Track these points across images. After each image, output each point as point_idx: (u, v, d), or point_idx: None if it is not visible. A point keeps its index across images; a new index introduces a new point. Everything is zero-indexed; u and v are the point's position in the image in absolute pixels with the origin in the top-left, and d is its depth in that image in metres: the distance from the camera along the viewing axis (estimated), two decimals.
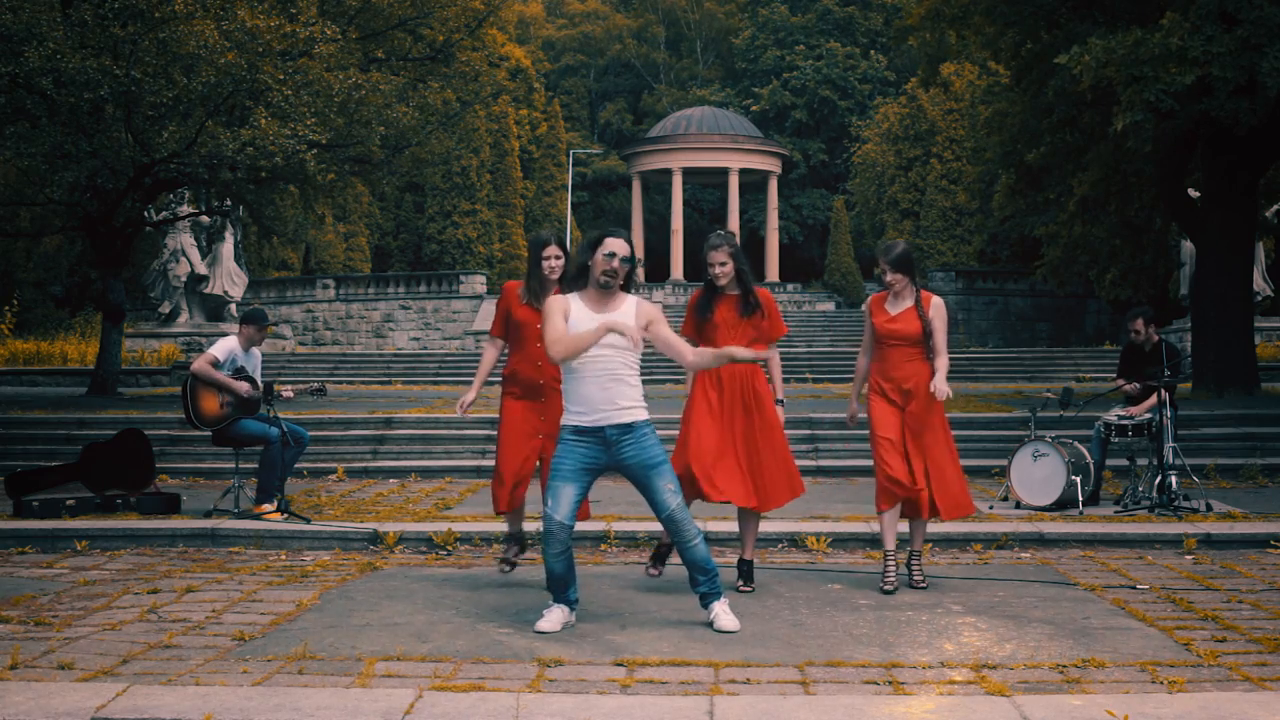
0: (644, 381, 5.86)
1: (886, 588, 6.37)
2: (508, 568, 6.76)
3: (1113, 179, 19.37)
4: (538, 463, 6.54)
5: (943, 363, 6.42)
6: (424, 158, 19.98)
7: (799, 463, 11.68)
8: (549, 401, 6.43)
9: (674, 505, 5.53)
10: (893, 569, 6.46)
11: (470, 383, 6.96)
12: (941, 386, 6.28)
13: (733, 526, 8.24)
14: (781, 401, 6.48)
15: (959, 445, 12.21)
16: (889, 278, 6.47)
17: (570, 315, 5.52)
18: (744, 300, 6.34)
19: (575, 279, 5.65)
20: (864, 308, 6.73)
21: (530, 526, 7.71)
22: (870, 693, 4.51)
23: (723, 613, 5.57)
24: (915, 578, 6.59)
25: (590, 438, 5.52)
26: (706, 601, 5.64)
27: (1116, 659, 4.97)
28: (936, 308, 6.48)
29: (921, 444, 6.45)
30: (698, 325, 6.42)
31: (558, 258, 6.42)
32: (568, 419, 5.58)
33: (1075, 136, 18.40)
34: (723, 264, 6.30)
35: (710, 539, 7.94)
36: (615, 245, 5.52)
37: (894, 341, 6.47)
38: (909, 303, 6.49)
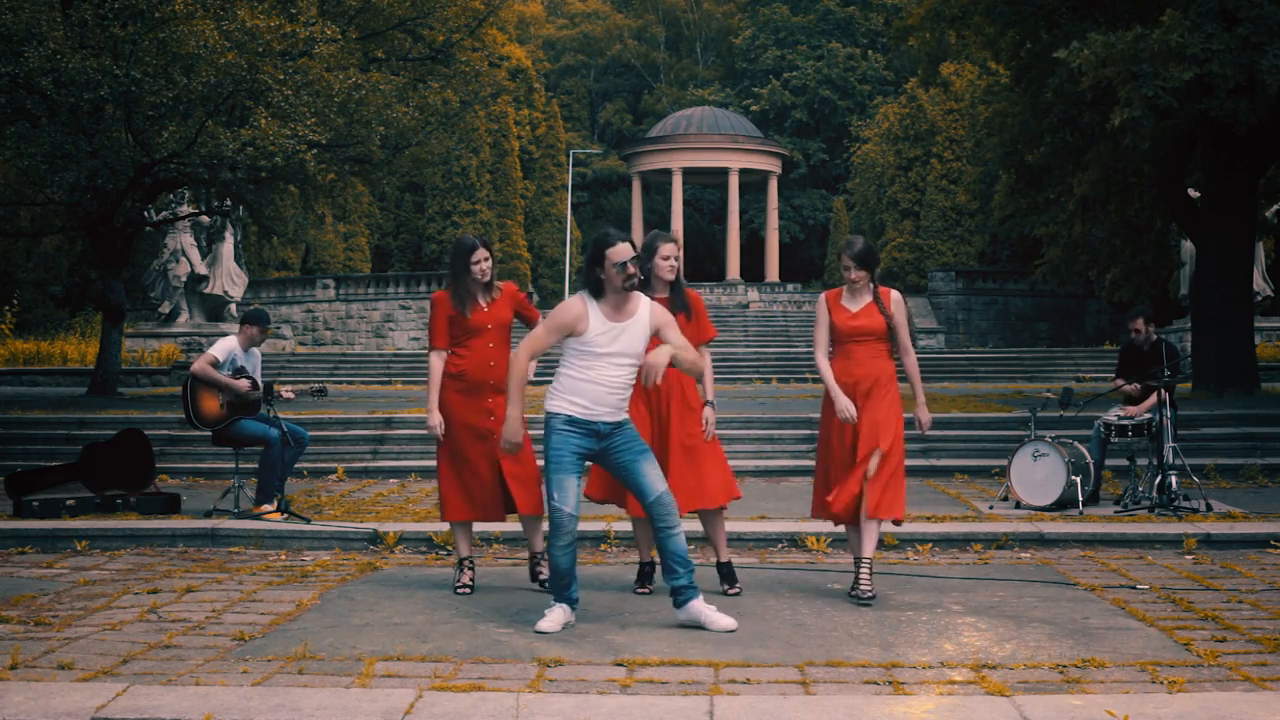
0: None
1: (862, 597, 6.14)
2: (466, 590, 6.45)
3: (1113, 179, 19.38)
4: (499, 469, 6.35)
5: (915, 364, 6.36)
6: (424, 158, 19.99)
7: (800, 463, 11.76)
8: (496, 402, 6.34)
9: (661, 489, 5.57)
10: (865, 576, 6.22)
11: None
12: (924, 417, 6.26)
13: (728, 527, 8.24)
14: (711, 403, 6.34)
15: (960, 445, 12.30)
16: (854, 274, 6.26)
17: (590, 327, 5.50)
18: (674, 300, 6.32)
19: (583, 288, 5.61)
20: (819, 307, 6.43)
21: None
22: (870, 693, 4.51)
23: (711, 611, 5.55)
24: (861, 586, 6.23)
25: (582, 428, 5.55)
26: (685, 597, 5.57)
27: (1116, 659, 4.97)
28: (897, 302, 6.33)
29: (871, 444, 6.16)
30: None
31: (487, 260, 6.40)
32: (562, 407, 5.55)
33: (1075, 136, 18.40)
34: (678, 257, 6.30)
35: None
36: (621, 253, 5.47)
37: (858, 339, 6.26)
38: (868, 298, 6.33)
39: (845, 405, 6.16)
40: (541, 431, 5.74)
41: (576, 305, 5.56)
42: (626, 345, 5.53)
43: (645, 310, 5.60)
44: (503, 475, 6.37)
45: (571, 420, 5.54)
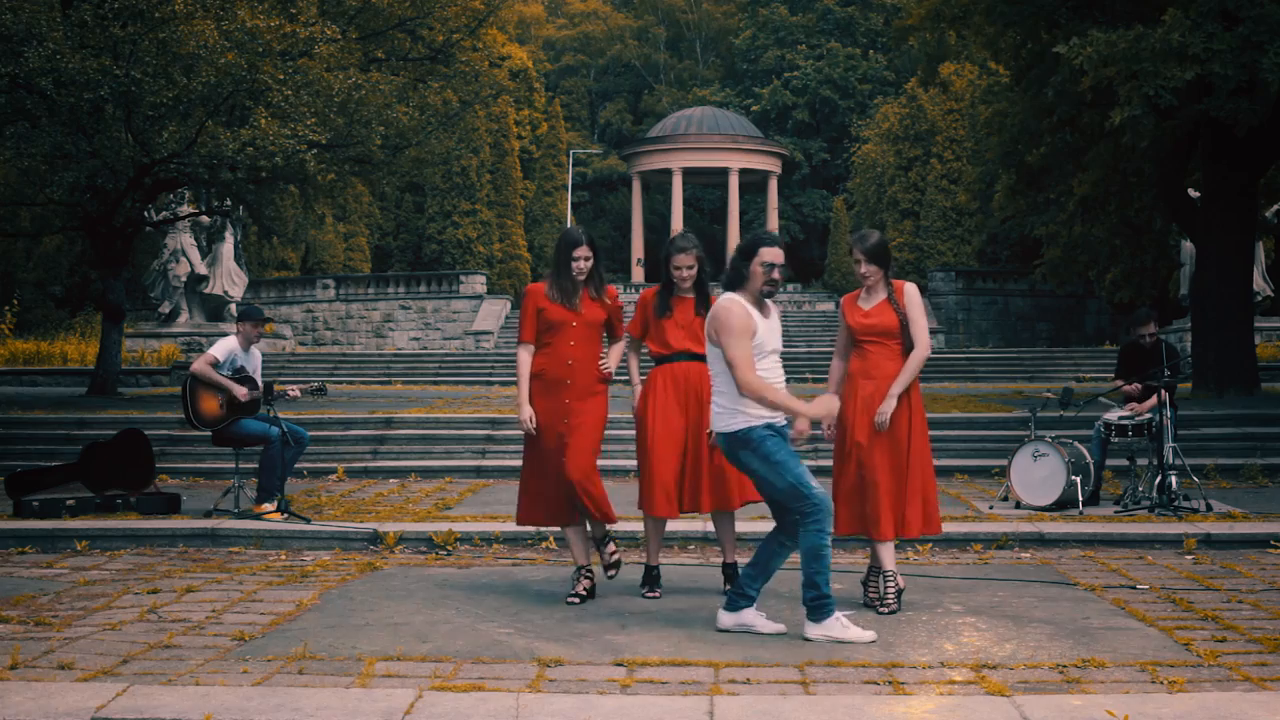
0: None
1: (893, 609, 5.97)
2: (577, 600, 6.20)
3: (1113, 179, 19.36)
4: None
5: (916, 357, 5.98)
6: (424, 158, 19.96)
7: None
8: (572, 403, 6.17)
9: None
10: (893, 588, 6.02)
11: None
12: (886, 407, 5.91)
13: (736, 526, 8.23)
14: None
15: (960, 445, 12.29)
16: (863, 269, 6.01)
17: (758, 326, 5.37)
18: (699, 304, 6.26)
19: (730, 284, 5.46)
20: (838, 308, 6.24)
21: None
22: (870, 693, 4.51)
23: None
24: (869, 595, 6.12)
25: (779, 432, 5.46)
26: (827, 614, 5.34)
27: (1116, 659, 4.97)
28: (910, 295, 6.07)
29: (897, 455, 6.00)
30: (649, 323, 6.30)
31: (587, 258, 6.19)
32: (765, 417, 5.37)
33: (1075, 136, 18.40)
34: (690, 267, 6.20)
35: (711, 540, 7.95)
36: (772, 255, 5.41)
37: (871, 338, 6.03)
38: (882, 296, 6.06)
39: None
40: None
41: (741, 308, 5.36)
42: (778, 342, 5.49)
43: (775, 310, 5.57)
44: (573, 486, 6.14)
45: (771, 426, 5.40)
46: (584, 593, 6.23)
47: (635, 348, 6.55)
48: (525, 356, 6.27)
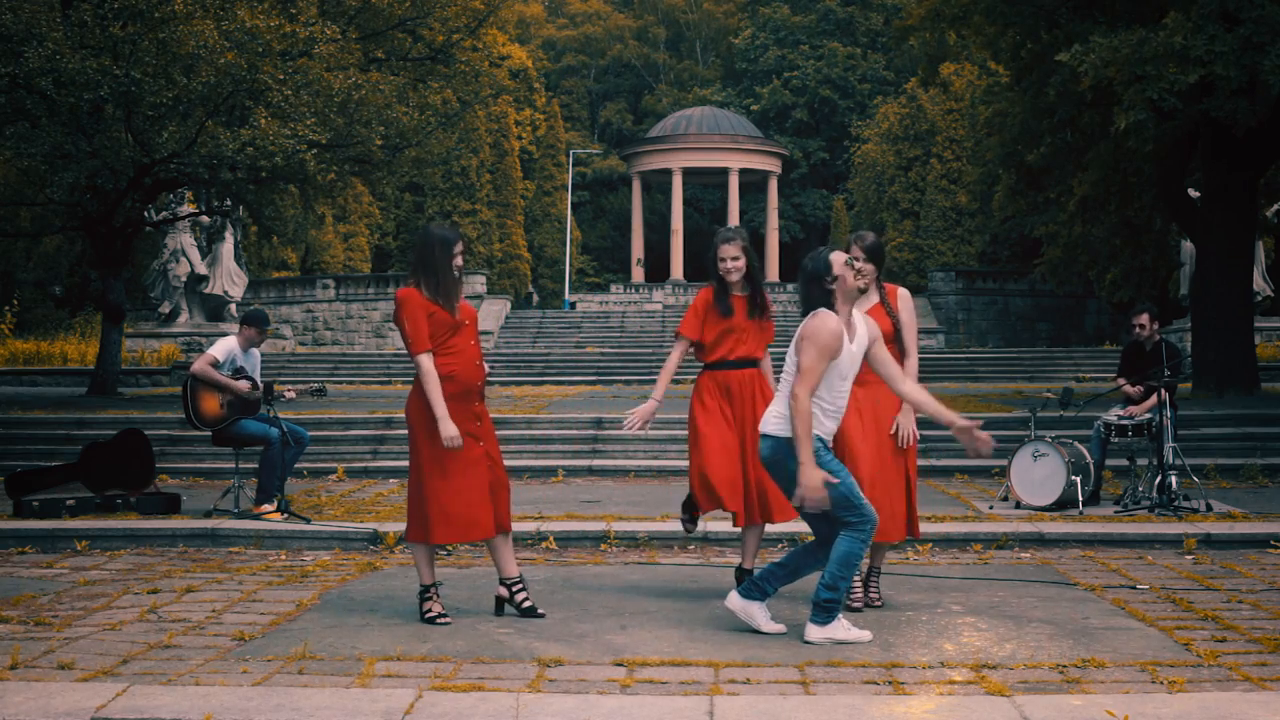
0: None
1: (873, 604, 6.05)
2: (447, 621, 5.74)
3: (1113, 179, 19.38)
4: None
5: (912, 366, 5.91)
6: (424, 158, 19.97)
7: None
8: (481, 405, 5.87)
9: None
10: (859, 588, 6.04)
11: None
12: (908, 427, 5.90)
13: (730, 527, 8.23)
14: None
15: (960, 445, 12.25)
16: (859, 266, 5.86)
17: (843, 348, 5.22)
18: (753, 300, 6.05)
19: (820, 302, 5.21)
20: None
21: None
22: (870, 693, 4.51)
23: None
24: (870, 596, 6.11)
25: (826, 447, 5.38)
26: (833, 617, 5.34)
27: (1116, 659, 4.97)
28: (904, 300, 6.03)
29: (899, 461, 5.97)
30: (713, 327, 6.03)
31: (464, 254, 5.85)
32: (819, 433, 5.28)
33: (1075, 137, 18.41)
34: (735, 259, 5.96)
35: (711, 540, 7.95)
36: (843, 256, 5.30)
37: None
38: (875, 299, 6.01)
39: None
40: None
41: (835, 322, 5.20)
42: (858, 364, 5.35)
43: (862, 323, 5.39)
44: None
45: (821, 439, 5.30)
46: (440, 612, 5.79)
47: (683, 349, 6.14)
48: (432, 365, 5.72)
